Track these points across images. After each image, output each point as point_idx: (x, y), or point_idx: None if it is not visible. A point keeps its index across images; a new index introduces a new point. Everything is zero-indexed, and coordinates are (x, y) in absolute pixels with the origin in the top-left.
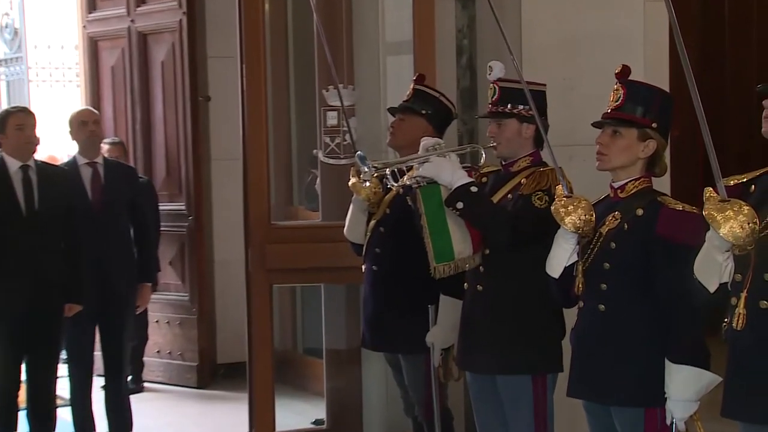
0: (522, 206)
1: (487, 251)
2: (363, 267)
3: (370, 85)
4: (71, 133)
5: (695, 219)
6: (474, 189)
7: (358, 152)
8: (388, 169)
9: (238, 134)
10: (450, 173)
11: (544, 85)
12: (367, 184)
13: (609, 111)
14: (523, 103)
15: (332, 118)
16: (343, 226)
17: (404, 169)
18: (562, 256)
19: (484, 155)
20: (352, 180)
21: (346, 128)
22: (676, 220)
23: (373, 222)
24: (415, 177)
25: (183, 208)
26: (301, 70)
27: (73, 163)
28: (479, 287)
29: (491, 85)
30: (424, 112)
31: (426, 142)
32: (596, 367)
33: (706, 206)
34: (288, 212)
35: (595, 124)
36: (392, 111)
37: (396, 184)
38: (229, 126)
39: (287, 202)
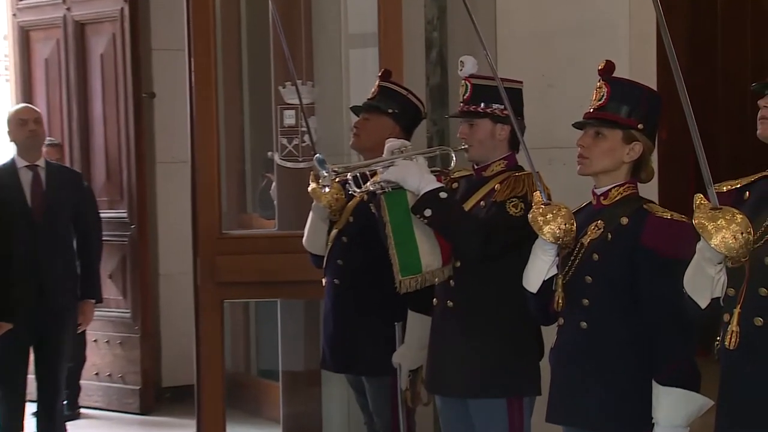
0: (496, 214)
1: (458, 263)
2: (323, 280)
3: (331, 81)
4: (9, 132)
5: (685, 228)
6: (443, 195)
7: (317, 155)
8: (349, 174)
9: (186, 135)
10: (417, 178)
11: (521, 82)
12: (328, 189)
13: (591, 110)
14: (497, 102)
15: (289, 118)
16: (302, 236)
17: (368, 173)
18: (540, 268)
19: (454, 158)
20: (312, 185)
21: (304, 128)
22: (663, 230)
23: (334, 231)
24: (379, 182)
25: (125, 215)
26: (256, 65)
27: (11, 166)
28: (449, 303)
29: (463, 81)
30: (390, 111)
31: (391, 143)
32: (577, 389)
33: (696, 215)
34: (241, 220)
35: (576, 125)
36: (355, 110)
37: (359, 190)
38: (175, 125)
39: (240, 210)
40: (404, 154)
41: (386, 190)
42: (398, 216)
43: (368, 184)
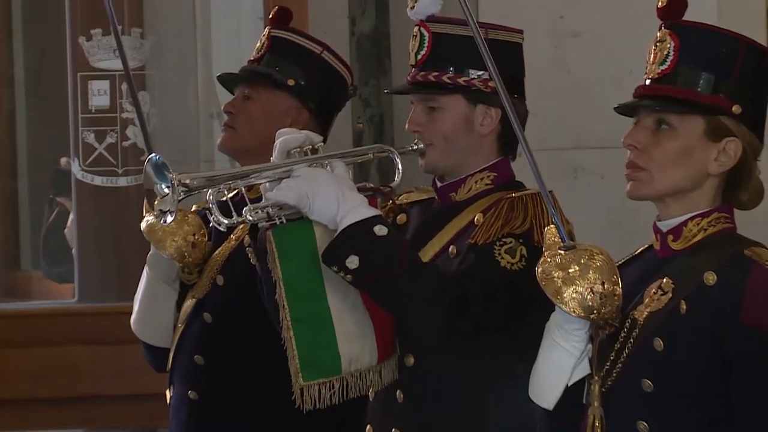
0: (476, 267)
1: (410, 358)
2: (167, 394)
3: (178, 28)
4: None
5: None
6: (380, 231)
7: (153, 156)
8: (211, 192)
9: None
10: (333, 199)
11: (520, 32)
12: (170, 219)
13: (647, 82)
14: (476, 66)
15: (100, 96)
16: (126, 312)
17: (245, 192)
18: (559, 366)
19: (400, 168)
20: (146, 218)
21: (129, 114)
22: None
23: (190, 303)
24: (264, 207)
25: None
26: (37, 5)
27: None
28: (399, 394)
29: (415, 29)
30: (289, 82)
31: (287, 138)
32: None
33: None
34: (11, 282)
35: (621, 109)
36: (227, 81)
37: (229, 221)
38: None
39: (8, 265)
40: (311, 156)
41: (277, 221)
42: (298, 268)
43: (246, 211)
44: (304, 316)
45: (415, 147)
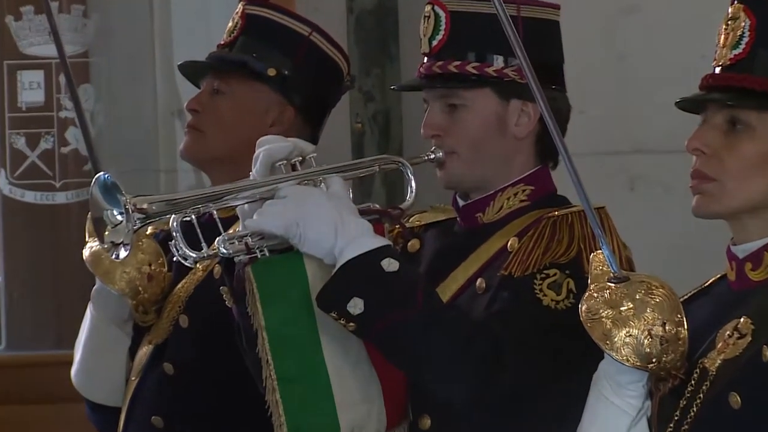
0: (512, 306)
1: (428, 421)
2: None
3: (130, 6)
4: None
5: None
6: (391, 267)
7: (102, 176)
8: (175, 220)
9: None
10: (329, 226)
11: (557, 6)
12: (124, 254)
13: (718, 70)
14: (503, 52)
15: (33, 89)
16: (67, 362)
17: (216, 218)
18: (610, 428)
19: (413, 184)
20: (91, 246)
21: (67, 113)
22: None
23: (146, 350)
24: (242, 236)
25: None
26: None
27: None
28: None
29: (428, 8)
30: (271, 72)
31: (270, 149)
32: None
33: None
34: None
35: (686, 105)
36: (191, 71)
37: (197, 255)
38: None
39: None
40: (301, 172)
41: (258, 253)
42: (285, 314)
43: (220, 242)
44: (294, 374)
45: (432, 156)
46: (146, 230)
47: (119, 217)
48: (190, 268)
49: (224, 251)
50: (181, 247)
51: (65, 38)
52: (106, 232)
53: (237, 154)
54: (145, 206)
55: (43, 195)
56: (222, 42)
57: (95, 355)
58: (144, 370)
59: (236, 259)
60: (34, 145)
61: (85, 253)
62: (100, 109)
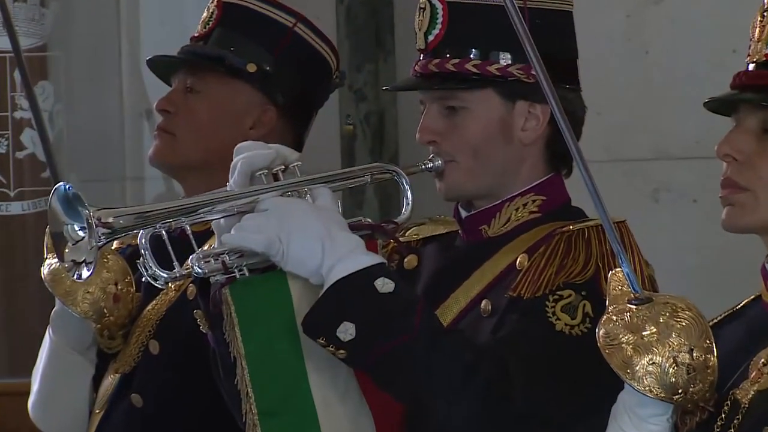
0: (521, 331)
1: None
2: None
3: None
4: None
5: None
6: (385, 287)
7: (62, 185)
8: (143, 235)
9: None
10: (316, 242)
11: None
12: (86, 273)
13: (752, 66)
14: (509, 48)
15: None
16: (23, 392)
17: (189, 233)
18: None
19: (409, 195)
20: (50, 262)
21: (23, 114)
22: None
23: (113, 379)
24: (219, 254)
25: None
26: None
27: None
28: None
29: None
30: (251, 68)
31: (250, 156)
32: None
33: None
34: None
35: (715, 106)
36: (161, 67)
37: (169, 275)
38: None
39: None
40: (284, 182)
41: (237, 273)
42: (267, 341)
43: (194, 260)
44: (276, 408)
45: (431, 165)
46: (111, 245)
47: (81, 233)
48: (161, 289)
49: (199, 270)
50: (150, 266)
51: (20, 29)
52: (67, 250)
53: (212, 160)
54: (110, 220)
55: None
56: (196, 34)
57: (55, 385)
58: (109, 401)
59: (212, 280)
60: None
61: (44, 270)
62: (59, 109)
